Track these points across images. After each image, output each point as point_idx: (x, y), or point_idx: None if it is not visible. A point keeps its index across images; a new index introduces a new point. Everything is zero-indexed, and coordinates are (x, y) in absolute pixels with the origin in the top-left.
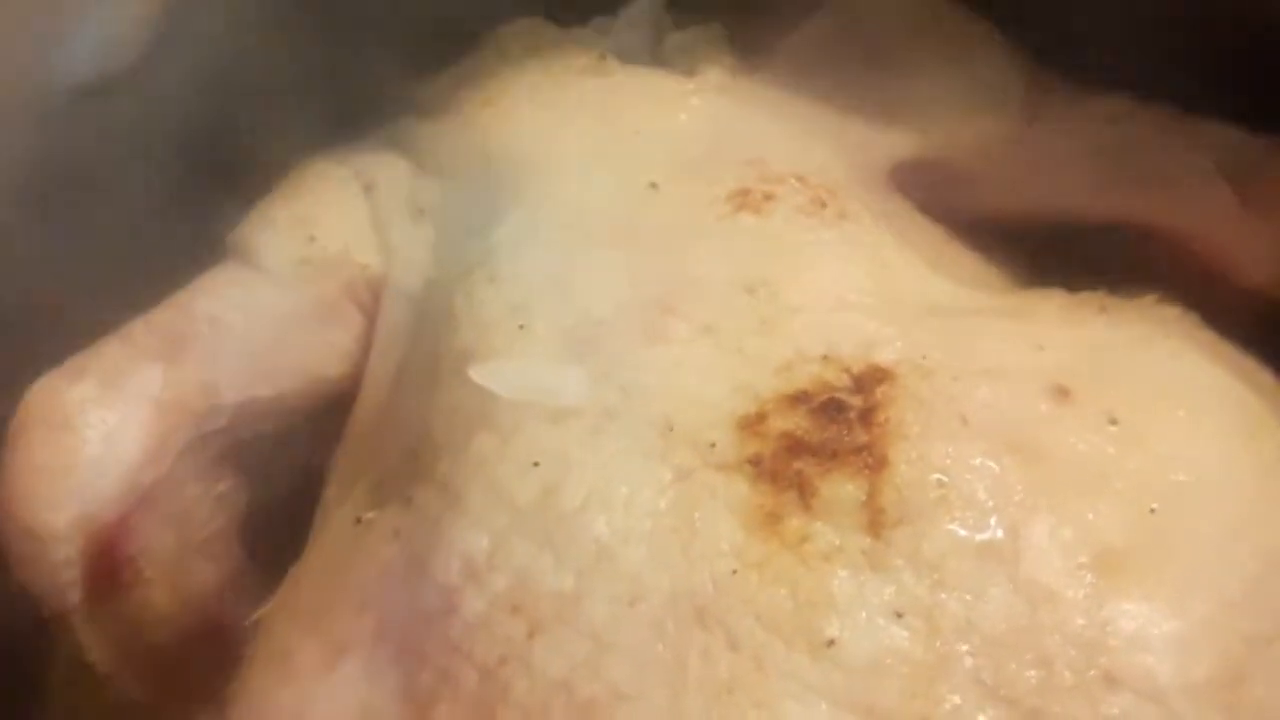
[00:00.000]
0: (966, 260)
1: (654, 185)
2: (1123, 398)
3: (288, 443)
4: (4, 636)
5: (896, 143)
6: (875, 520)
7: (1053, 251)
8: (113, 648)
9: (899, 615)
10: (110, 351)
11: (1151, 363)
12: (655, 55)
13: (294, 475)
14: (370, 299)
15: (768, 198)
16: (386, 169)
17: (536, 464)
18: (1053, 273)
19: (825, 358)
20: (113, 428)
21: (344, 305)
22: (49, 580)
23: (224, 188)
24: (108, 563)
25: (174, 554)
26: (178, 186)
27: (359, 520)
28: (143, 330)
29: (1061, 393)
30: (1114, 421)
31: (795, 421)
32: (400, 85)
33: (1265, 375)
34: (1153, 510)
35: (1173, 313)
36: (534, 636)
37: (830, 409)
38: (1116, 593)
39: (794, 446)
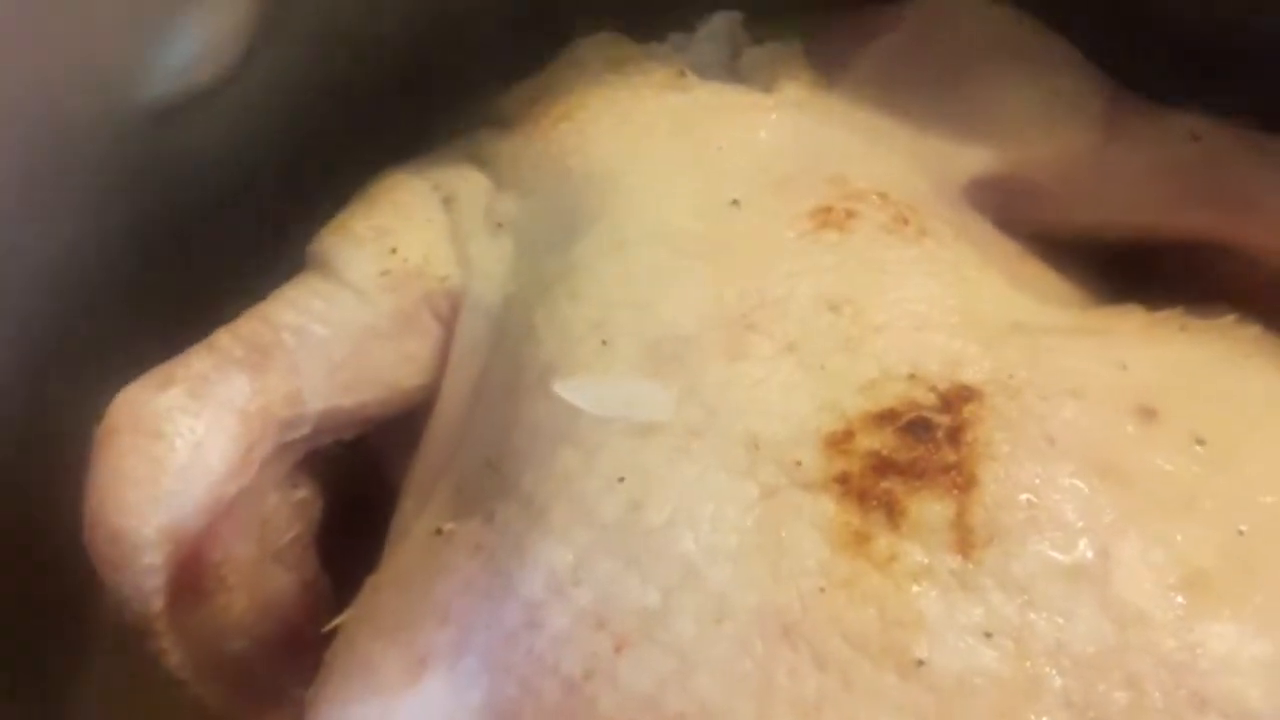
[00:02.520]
0: (1044, 277)
1: (736, 202)
2: (1208, 417)
3: (363, 450)
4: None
5: (974, 158)
6: (964, 540)
7: (1129, 268)
8: (192, 653)
9: (988, 636)
10: (197, 360)
11: (1235, 381)
12: (732, 71)
13: (369, 483)
14: (449, 311)
15: (850, 215)
16: (466, 182)
17: (621, 480)
18: (1129, 290)
19: (911, 376)
20: (201, 437)
21: (423, 317)
22: (135, 586)
23: (303, 198)
24: (193, 570)
25: (254, 561)
26: (258, 197)
27: (439, 531)
28: (228, 340)
29: (1147, 413)
30: (1200, 441)
31: (882, 440)
32: (476, 97)
33: None
34: (1241, 531)
35: (1253, 331)
36: (620, 652)
37: (917, 428)
38: (1206, 614)
39: (881, 465)
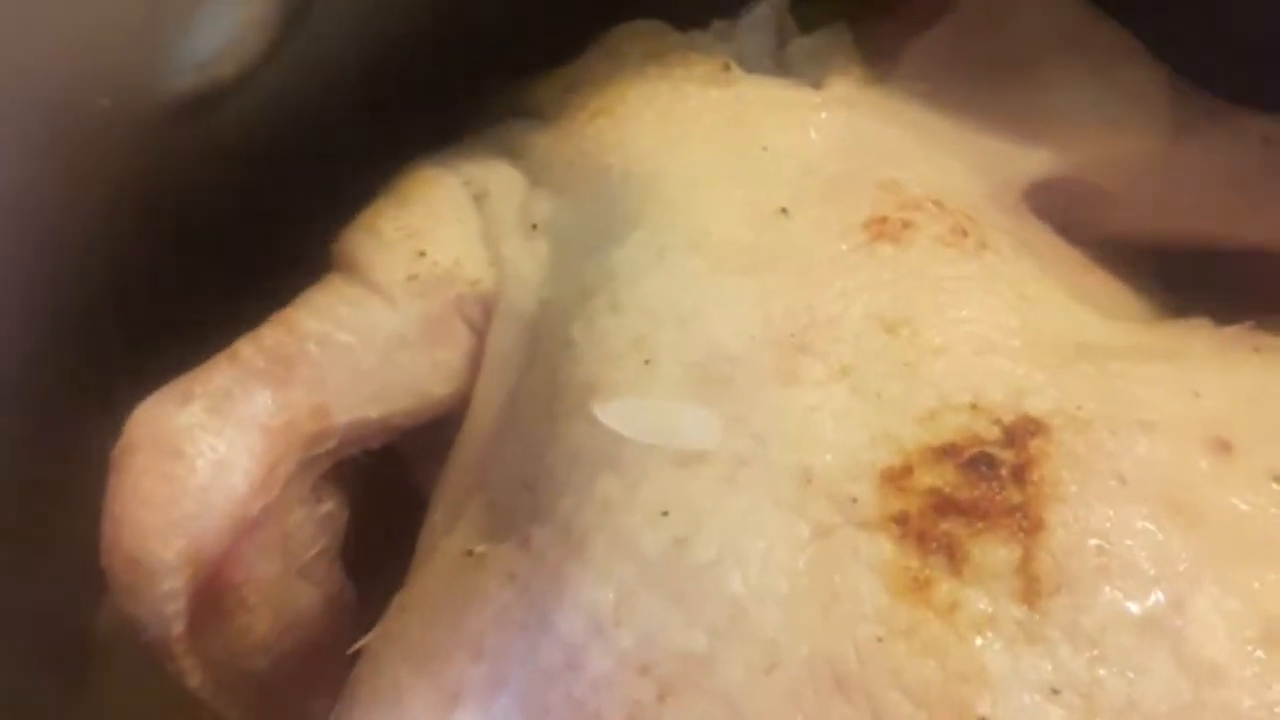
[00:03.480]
0: (1108, 287)
1: (784, 210)
2: None
3: (391, 460)
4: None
5: (1034, 160)
6: (1030, 588)
7: (1194, 273)
8: (214, 674)
9: (1055, 692)
10: (218, 374)
11: None
12: (778, 62)
13: (397, 494)
14: (481, 316)
15: (906, 225)
16: (498, 178)
17: (666, 513)
18: (1194, 296)
19: (973, 406)
20: (223, 455)
21: (454, 322)
22: (154, 610)
23: (330, 193)
24: (214, 592)
25: (278, 579)
26: (283, 193)
27: (470, 553)
28: (251, 351)
29: (1222, 446)
30: (1278, 479)
31: (943, 477)
32: (508, 86)
33: None
34: None
35: None
36: (664, 699)
37: (980, 464)
38: None
39: (942, 505)
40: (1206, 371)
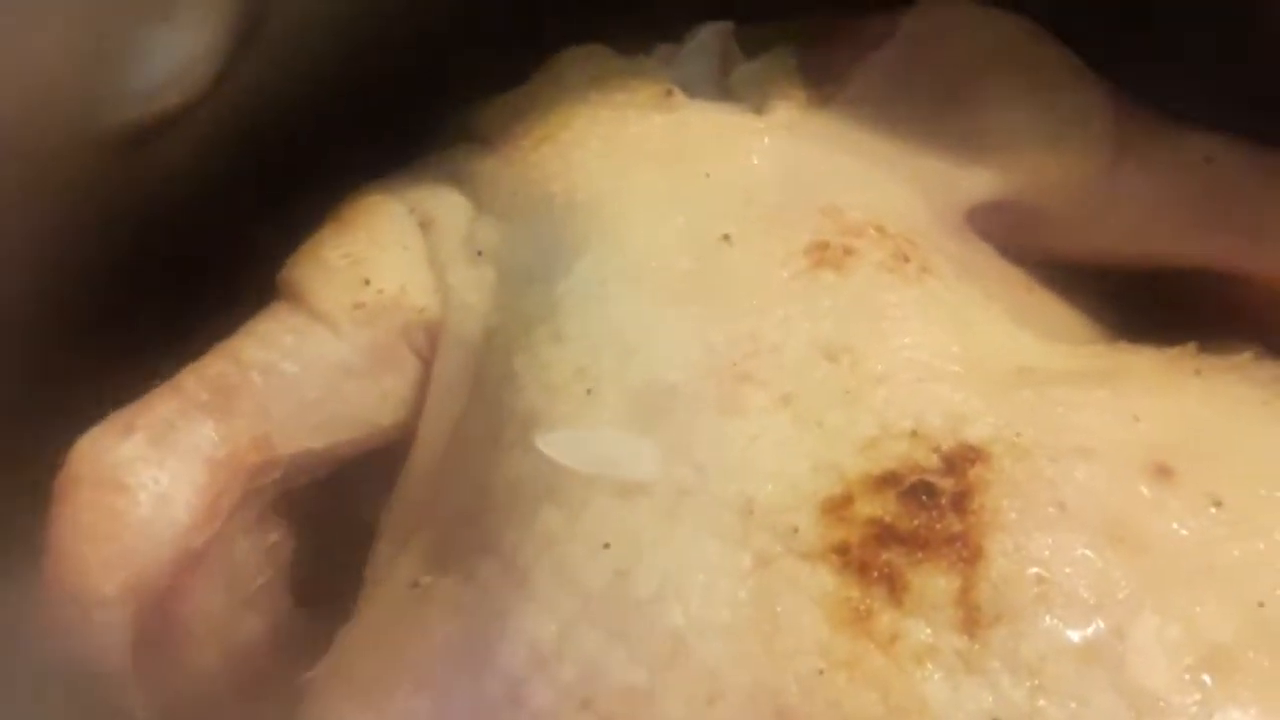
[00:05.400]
0: (1050, 309)
1: (727, 237)
2: (1225, 476)
3: (336, 490)
4: None
5: (976, 182)
6: (970, 618)
7: (1137, 293)
8: (160, 707)
9: None
10: (160, 405)
11: (1254, 433)
12: (722, 88)
13: (344, 523)
14: (426, 344)
15: (848, 252)
16: (444, 204)
17: (607, 545)
18: (1137, 317)
19: (913, 434)
20: (165, 488)
21: (399, 351)
22: (97, 644)
23: (279, 220)
24: (158, 624)
25: (224, 611)
26: (232, 220)
27: (415, 584)
28: (193, 382)
29: (1163, 472)
30: (1217, 504)
31: (884, 506)
32: (454, 112)
33: None
34: (1261, 604)
35: (1272, 371)
36: None
37: (920, 493)
38: (1226, 699)
39: (883, 534)
40: (1147, 395)
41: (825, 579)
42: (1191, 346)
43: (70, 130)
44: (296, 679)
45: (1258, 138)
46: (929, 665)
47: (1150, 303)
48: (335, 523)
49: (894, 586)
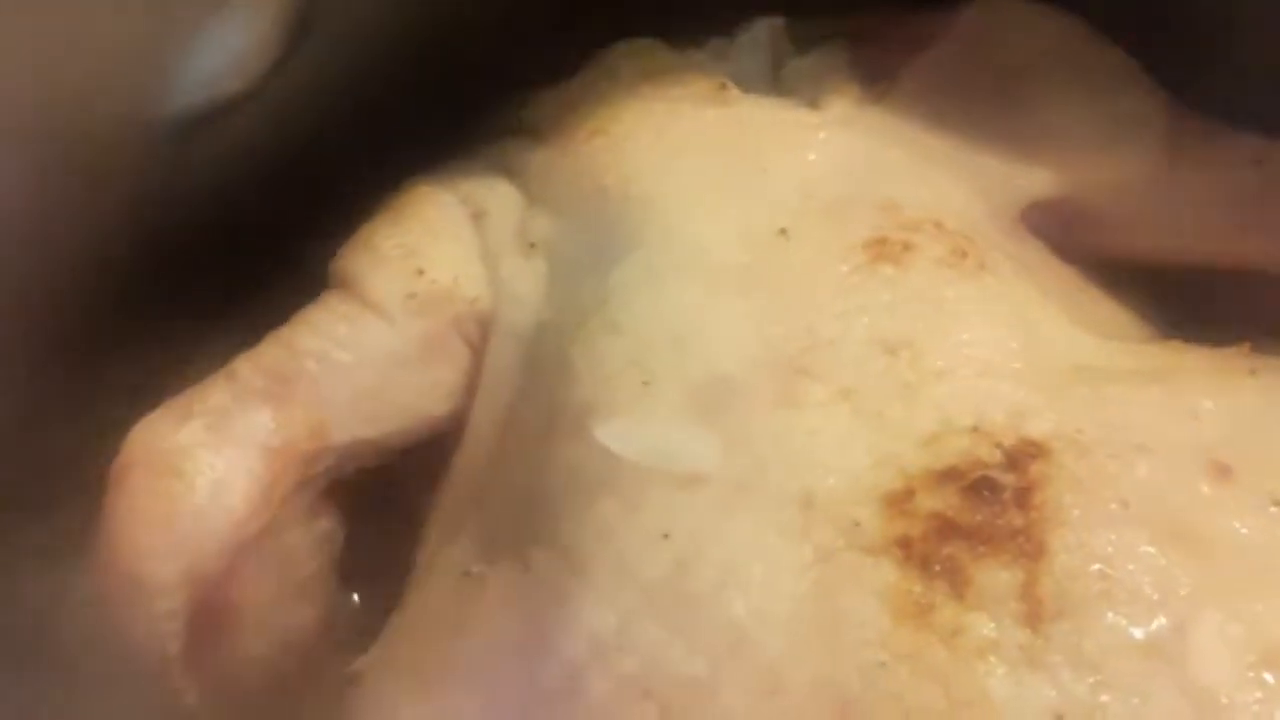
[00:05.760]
0: (1104, 307)
1: (784, 231)
2: None
3: (388, 478)
4: None
5: (1031, 180)
6: (1033, 612)
7: (1190, 295)
8: (210, 695)
9: (1059, 717)
10: (217, 392)
11: None
12: (775, 82)
13: (394, 511)
14: (478, 335)
15: (906, 248)
16: (496, 196)
17: (666, 536)
18: (1190, 318)
19: (975, 429)
20: (221, 474)
21: (452, 341)
22: (151, 630)
23: (331, 211)
24: (211, 611)
25: (274, 598)
26: (284, 212)
27: (468, 573)
28: (249, 369)
29: (1222, 470)
30: (1277, 503)
31: (946, 501)
32: (505, 104)
33: None
34: None
35: None
36: None
37: (983, 488)
38: None
39: (945, 529)
40: (1203, 394)
41: (887, 572)
42: (1245, 346)
43: (124, 119)
44: (346, 668)
45: None
46: (992, 659)
47: (1201, 303)
48: (386, 512)
49: (956, 581)
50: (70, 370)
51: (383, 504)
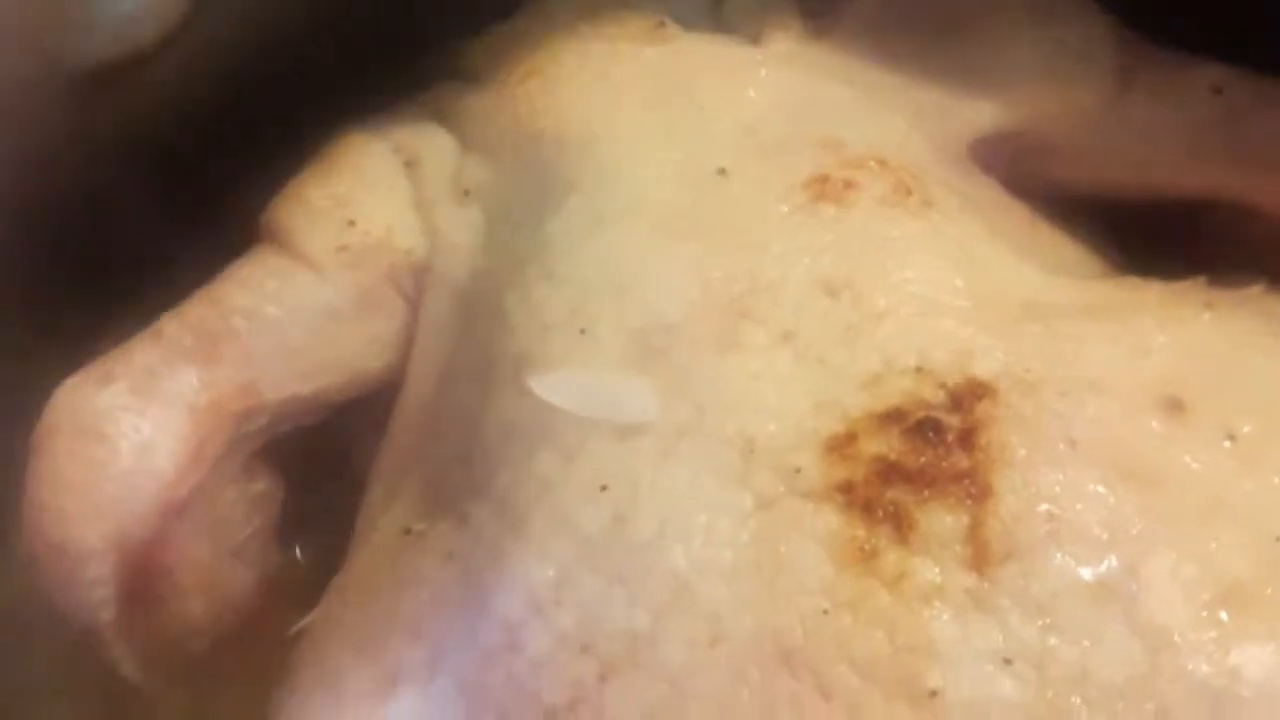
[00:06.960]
0: (1055, 243)
1: (723, 171)
2: (1239, 408)
3: (325, 435)
4: None
5: (977, 113)
6: (979, 556)
7: (1143, 226)
8: (148, 661)
9: (1007, 662)
10: (141, 352)
11: (1265, 368)
12: (716, 19)
13: (333, 469)
14: (413, 286)
15: (848, 185)
16: (429, 143)
17: (604, 488)
18: (1144, 250)
19: (918, 370)
20: (147, 437)
21: (386, 293)
22: (80, 598)
23: (256, 162)
24: (143, 576)
25: (210, 561)
26: (206, 163)
27: (408, 531)
28: (175, 328)
29: (1174, 406)
30: (1231, 437)
31: (888, 444)
32: (439, 50)
33: None
34: (1278, 539)
35: None
36: (606, 679)
37: (926, 429)
38: (1243, 634)
39: (887, 472)
40: (1157, 329)
41: (829, 518)
42: (1201, 280)
43: (36, 66)
44: (288, 630)
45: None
46: (937, 604)
47: (1156, 237)
48: (325, 471)
49: (900, 525)
50: None
51: (323, 464)
